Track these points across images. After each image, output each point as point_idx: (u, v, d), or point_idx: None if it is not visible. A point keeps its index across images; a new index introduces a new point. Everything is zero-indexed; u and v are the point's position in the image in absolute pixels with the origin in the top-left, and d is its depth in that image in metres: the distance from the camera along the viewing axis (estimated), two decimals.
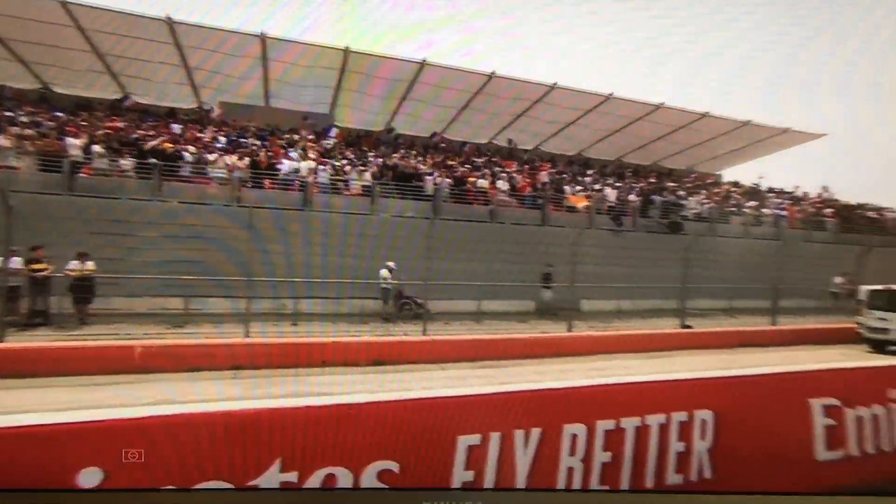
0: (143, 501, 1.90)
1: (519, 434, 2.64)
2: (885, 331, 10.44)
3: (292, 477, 2.14)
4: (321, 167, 13.29)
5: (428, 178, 13.91)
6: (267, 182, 12.50)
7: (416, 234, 11.84)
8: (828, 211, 19.52)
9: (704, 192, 18.84)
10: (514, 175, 15.95)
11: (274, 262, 10.60)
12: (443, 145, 18.86)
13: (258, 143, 14.45)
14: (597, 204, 14.87)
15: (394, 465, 2.31)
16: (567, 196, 14.85)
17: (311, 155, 14.07)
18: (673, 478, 3.05)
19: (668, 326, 12.12)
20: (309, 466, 2.18)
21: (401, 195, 13.53)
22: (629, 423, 2.99)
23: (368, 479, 2.25)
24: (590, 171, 19.01)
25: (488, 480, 2.50)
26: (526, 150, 20.38)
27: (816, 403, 3.60)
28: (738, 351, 10.59)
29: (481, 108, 18.14)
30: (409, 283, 11.27)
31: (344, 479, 2.20)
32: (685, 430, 3.14)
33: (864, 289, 11.92)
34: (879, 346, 10.59)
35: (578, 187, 15.88)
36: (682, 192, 17.57)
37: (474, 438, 2.53)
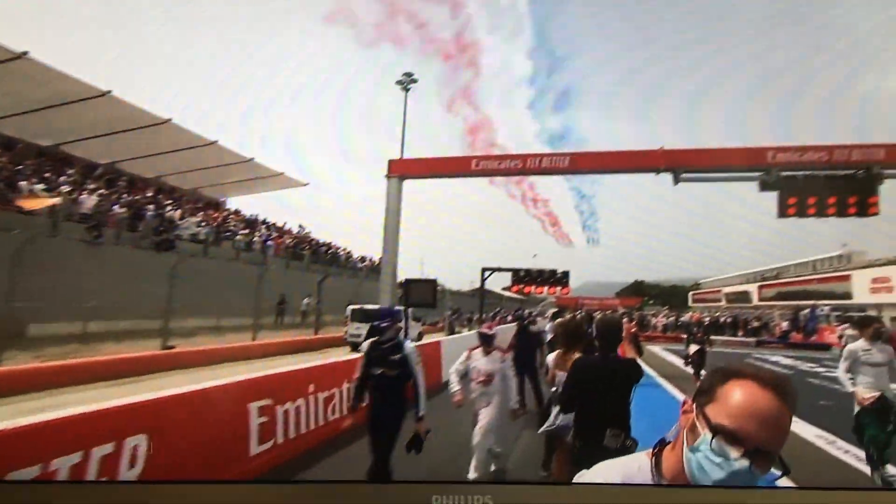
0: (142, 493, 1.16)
1: None
2: (359, 336, 13.82)
3: None
4: None
5: None
6: None
7: None
8: (304, 245, 24.05)
9: (203, 214, 19.36)
10: None
11: None
12: None
13: None
14: (67, 209, 12.51)
15: None
16: (23, 194, 11.74)
17: None
18: None
19: (150, 348, 11.44)
20: None
21: None
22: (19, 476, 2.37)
23: None
24: (70, 171, 15.91)
25: None
26: None
27: (254, 406, 4.11)
28: (222, 367, 10.95)
29: None
30: None
31: None
32: (109, 464, 2.73)
33: (349, 308, 15.84)
34: (356, 348, 13.58)
35: (41, 185, 12.89)
36: (180, 211, 17.35)
37: None
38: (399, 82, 17.84)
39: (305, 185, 25.73)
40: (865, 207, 11.10)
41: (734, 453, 0.83)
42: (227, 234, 18.98)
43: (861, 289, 30.83)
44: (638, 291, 61.90)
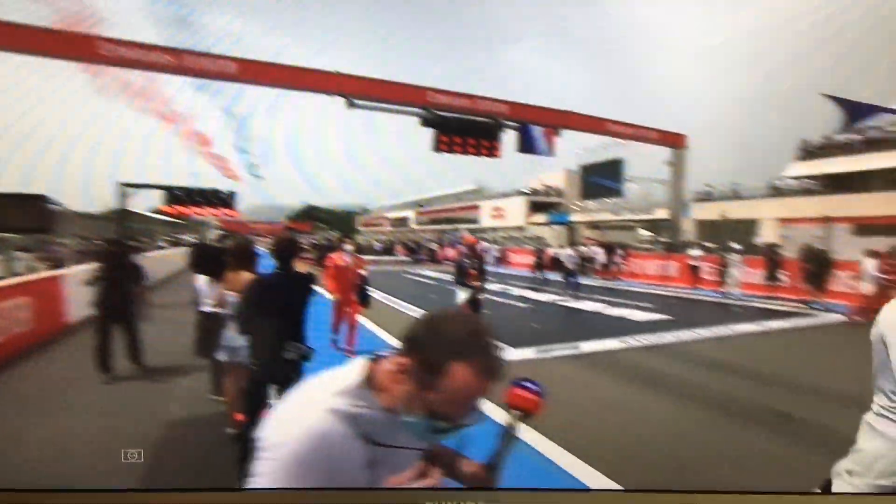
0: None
1: None
2: None
3: None
4: None
5: None
6: None
7: None
8: None
9: None
10: None
11: None
12: None
13: None
14: None
15: None
16: None
17: None
18: None
19: None
20: None
21: None
22: None
23: None
24: None
25: None
26: None
27: None
28: None
29: None
30: None
31: None
32: None
33: None
34: None
35: None
36: None
37: None
38: None
39: None
40: (493, 150, 13.76)
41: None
42: None
43: (486, 216, 39.97)
44: (310, 216, 61.41)
